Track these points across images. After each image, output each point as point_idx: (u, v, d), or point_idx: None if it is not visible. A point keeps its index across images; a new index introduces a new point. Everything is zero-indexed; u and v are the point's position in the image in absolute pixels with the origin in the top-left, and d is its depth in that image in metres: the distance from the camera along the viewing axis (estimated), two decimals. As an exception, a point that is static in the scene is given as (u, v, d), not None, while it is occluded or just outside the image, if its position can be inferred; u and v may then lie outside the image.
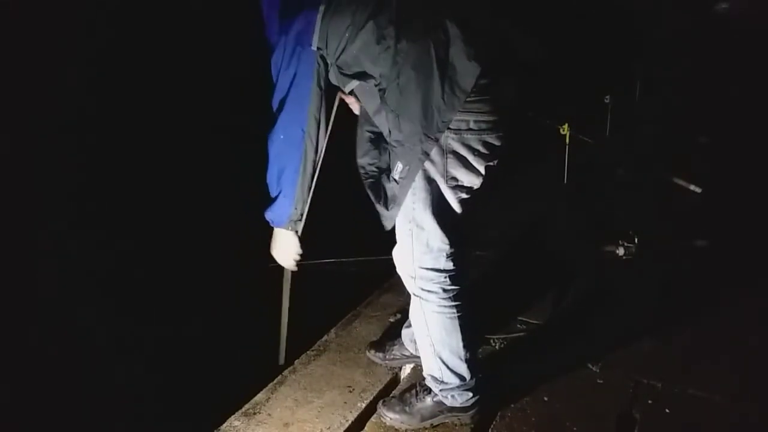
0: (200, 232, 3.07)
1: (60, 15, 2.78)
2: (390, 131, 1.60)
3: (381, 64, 1.55)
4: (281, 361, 2.22)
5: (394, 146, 1.59)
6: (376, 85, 1.60)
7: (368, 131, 1.79)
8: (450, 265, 1.73)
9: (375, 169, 1.73)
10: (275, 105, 1.68)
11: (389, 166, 1.65)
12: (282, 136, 1.68)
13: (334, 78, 1.66)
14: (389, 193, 1.64)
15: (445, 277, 1.73)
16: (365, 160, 1.77)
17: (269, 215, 1.80)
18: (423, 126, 1.53)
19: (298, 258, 1.89)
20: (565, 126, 3.68)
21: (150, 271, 2.86)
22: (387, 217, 1.70)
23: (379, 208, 1.70)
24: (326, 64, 1.63)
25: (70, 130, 2.85)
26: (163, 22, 3.11)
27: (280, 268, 2.01)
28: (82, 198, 2.86)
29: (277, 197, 1.75)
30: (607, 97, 3.95)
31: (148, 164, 3.09)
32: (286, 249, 1.87)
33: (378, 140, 1.76)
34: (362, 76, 1.60)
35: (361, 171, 1.78)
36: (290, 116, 1.65)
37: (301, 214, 1.78)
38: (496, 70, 1.55)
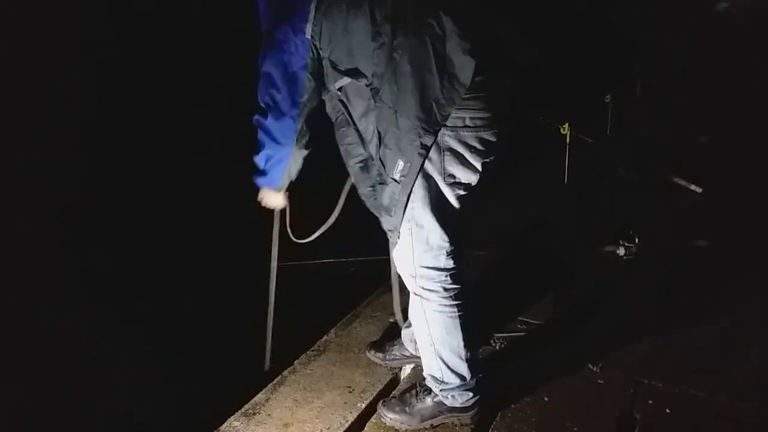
0: (200, 231, 3.07)
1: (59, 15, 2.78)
2: (382, 132, 1.58)
3: (376, 62, 1.54)
4: (266, 366, 2.21)
5: (392, 145, 1.57)
6: (367, 85, 1.59)
7: (356, 163, 1.78)
8: (450, 264, 1.72)
9: (372, 189, 1.73)
10: (264, 90, 1.67)
11: (381, 176, 1.64)
12: (273, 124, 1.70)
13: (326, 72, 1.65)
14: (388, 197, 1.62)
15: (446, 276, 1.73)
16: (363, 188, 1.77)
17: (255, 180, 1.85)
18: (421, 120, 1.52)
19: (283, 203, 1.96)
20: (566, 125, 3.68)
21: (150, 270, 2.86)
22: (392, 227, 1.68)
23: (384, 220, 1.68)
24: (319, 56, 1.62)
25: (69, 128, 2.85)
26: (159, 19, 3.11)
27: (267, 273, 2.07)
28: (83, 195, 2.86)
29: (263, 174, 1.81)
30: (608, 96, 3.95)
31: (145, 162, 3.09)
32: (271, 199, 1.94)
33: (366, 164, 1.76)
34: (354, 73, 1.59)
35: (364, 198, 1.79)
36: (282, 105, 1.66)
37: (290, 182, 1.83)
38: (491, 68, 1.55)
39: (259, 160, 1.79)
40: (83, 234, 2.83)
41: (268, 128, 1.71)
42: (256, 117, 1.73)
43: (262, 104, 1.70)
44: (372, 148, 1.66)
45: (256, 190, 1.92)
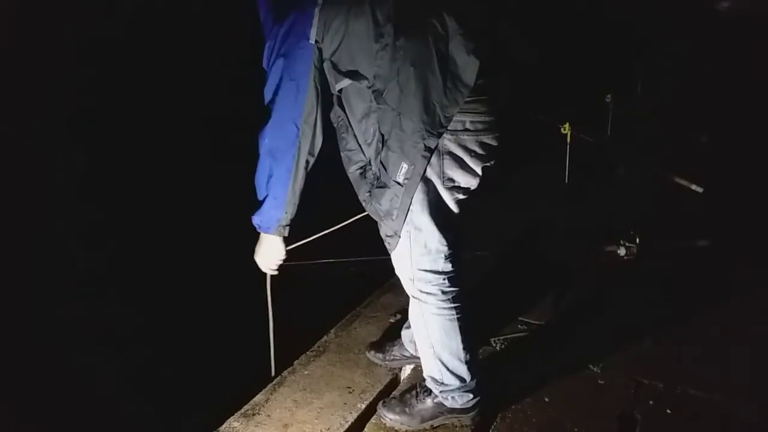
0: (199, 232, 3.07)
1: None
2: (385, 135, 1.56)
3: (378, 63, 1.53)
4: (273, 372, 2.14)
5: (396, 147, 1.56)
6: (368, 87, 1.57)
7: (357, 169, 1.74)
8: (448, 267, 1.72)
9: (369, 194, 1.70)
10: (267, 98, 1.61)
11: (380, 180, 1.62)
12: (274, 133, 1.61)
13: (327, 73, 1.61)
14: (389, 200, 1.60)
15: (444, 279, 1.72)
16: (363, 194, 1.74)
17: (256, 220, 1.71)
18: (424, 122, 1.51)
19: (280, 263, 1.81)
20: (566, 126, 3.68)
21: (150, 271, 2.86)
22: (392, 231, 1.65)
23: (385, 225, 1.66)
24: (322, 59, 1.59)
25: (72, 128, 2.85)
26: (161, 21, 3.11)
27: (265, 276, 1.91)
28: (83, 197, 2.86)
29: (264, 200, 1.67)
30: (608, 96, 3.95)
31: (145, 164, 3.09)
32: (270, 255, 1.79)
33: (364, 170, 1.73)
34: (355, 75, 1.57)
35: (364, 203, 1.75)
36: (283, 112, 1.59)
37: (291, 219, 1.69)
38: (492, 70, 1.54)
39: (260, 176, 1.66)
40: (83, 232, 2.84)
41: (268, 136, 1.62)
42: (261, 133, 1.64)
43: (266, 105, 1.63)
44: (371, 151, 1.63)
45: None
